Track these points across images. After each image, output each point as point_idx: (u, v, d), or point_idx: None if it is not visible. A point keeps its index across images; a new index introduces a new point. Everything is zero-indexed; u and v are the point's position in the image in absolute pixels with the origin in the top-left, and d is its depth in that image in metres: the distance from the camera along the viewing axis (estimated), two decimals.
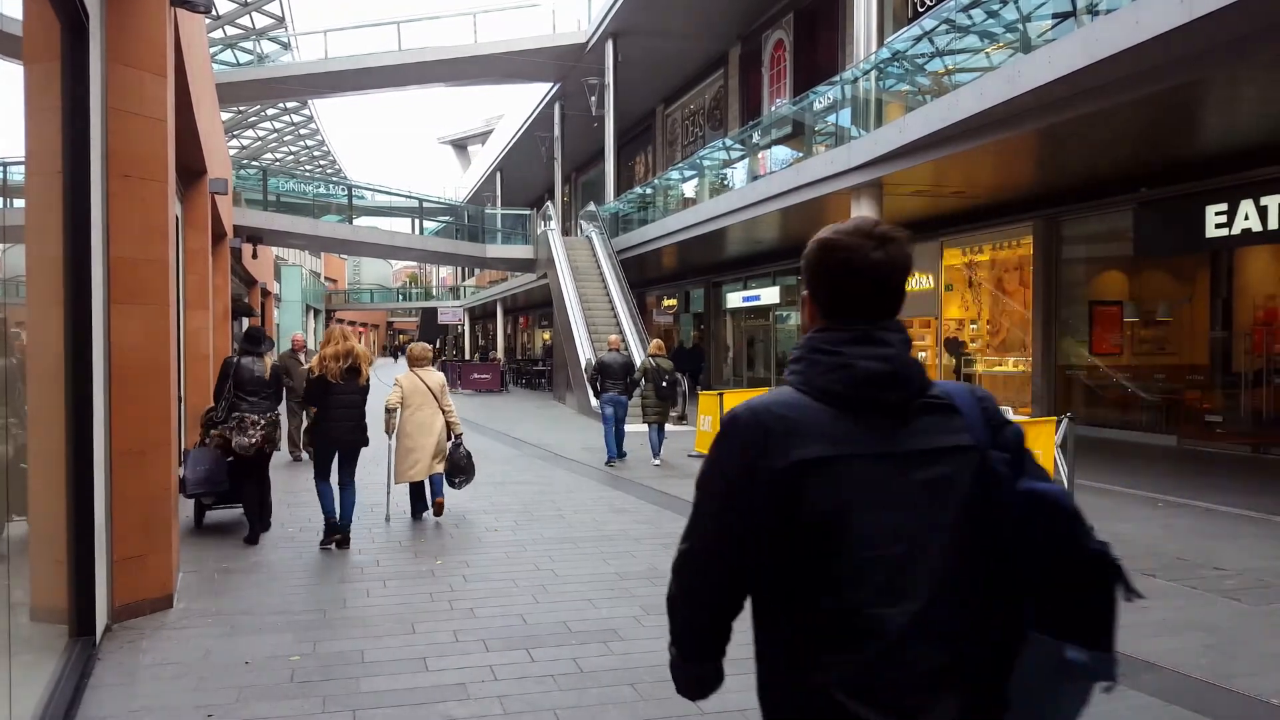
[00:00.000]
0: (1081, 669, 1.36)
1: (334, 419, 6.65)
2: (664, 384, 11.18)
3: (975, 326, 16.75)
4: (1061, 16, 9.79)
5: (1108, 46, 7.62)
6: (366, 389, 6.85)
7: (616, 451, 11.30)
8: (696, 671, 1.63)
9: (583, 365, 17.85)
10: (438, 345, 60.48)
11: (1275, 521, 7.42)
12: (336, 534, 6.62)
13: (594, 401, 13.30)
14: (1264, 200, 10.26)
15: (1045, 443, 7.20)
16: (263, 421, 6.84)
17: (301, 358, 11.28)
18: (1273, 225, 10.16)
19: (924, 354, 17.87)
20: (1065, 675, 1.36)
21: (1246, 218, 10.47)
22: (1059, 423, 7.65)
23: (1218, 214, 10.80)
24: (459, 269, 59.13)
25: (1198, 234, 11.07)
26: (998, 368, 15.93)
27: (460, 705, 3.77)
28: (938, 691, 1.33)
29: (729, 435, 1.43)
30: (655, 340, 12.80)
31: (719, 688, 1.69)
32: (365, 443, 6.81)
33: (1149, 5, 7.16)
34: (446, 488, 7.86)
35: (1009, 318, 15.74)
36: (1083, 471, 8.93)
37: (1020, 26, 10.48)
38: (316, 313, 57.27)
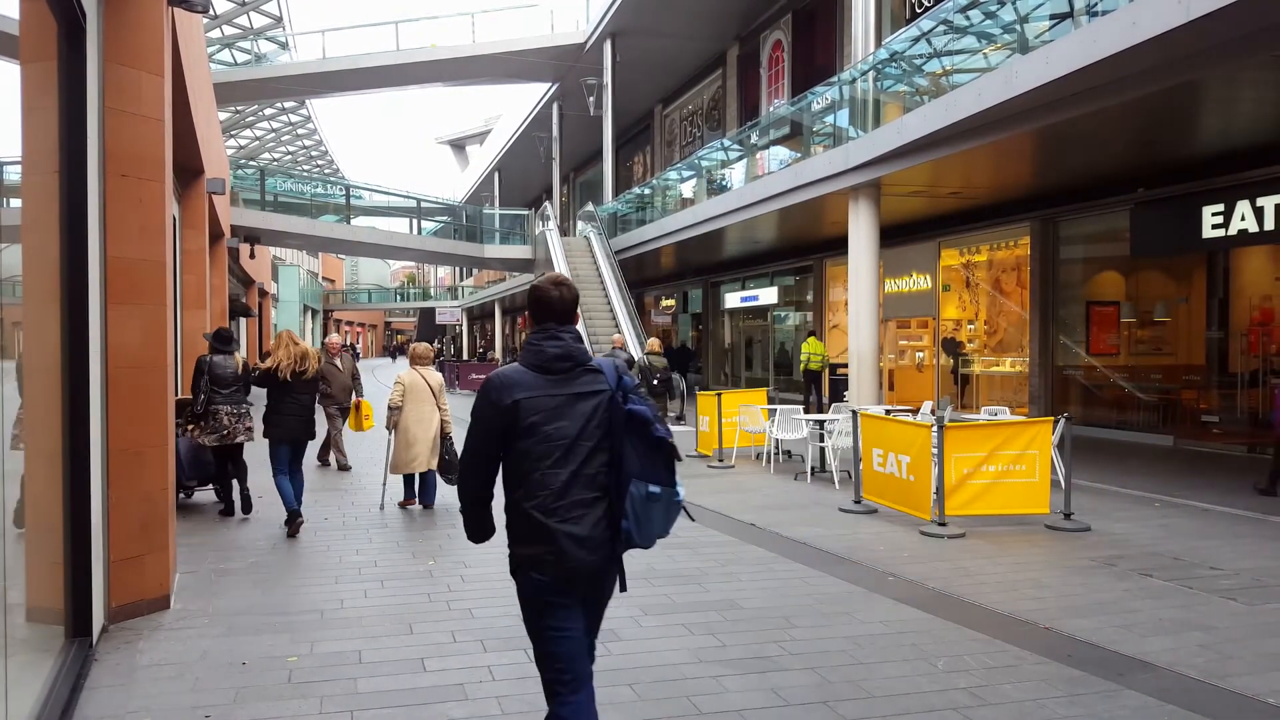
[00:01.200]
0: (658, 497, 2.65)
1: (287, 413, 7.29)
2: (655, 381, 11.67)
3: (972, 327, 16.76)
4: (1059, 17, 9.80)
5: (1105, 47, 7.63)
6: (316, 386, 7.66)
7: None
8: (478, 513, 2.84)
9: None
10: (436, 345, 60.48)
11: (1271, 521, 7.43)
12: (299, 519, 7.19)
13: None
14: (1260, 201, 10.28)
15: (1042, 443, 7.19)
16: (237, 413, 7.61)
17: (338, 362, 10.33)
18: (1269, 225, 10.18)
19: (921, 354, 17.90)
20: (651, 500, 2.64)
21: (1243, 218, 10.48)
22: (1056, 423, 7.65)
23: (1214, 214, 10.81)
24: (457, 269, 59.11)
25: (1194, 234, 11.08)
26: (995, 368, 15.94)
27: (459, 706, 3.76)
28: (588, 509, 2.65)
29: (487, 386, 2.71)
30: (651, 339, 12.97)
31: (492, 535, 2.89)
32: (313, 436, 7.51)
33: (1147, 6, 7.17)
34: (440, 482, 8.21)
35: (1006, 318, 15.75)
36: (1080, 471, 8.94)
37: (1018, 27, 10.50)
38: (314, 313, 57.22)
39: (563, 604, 2.68)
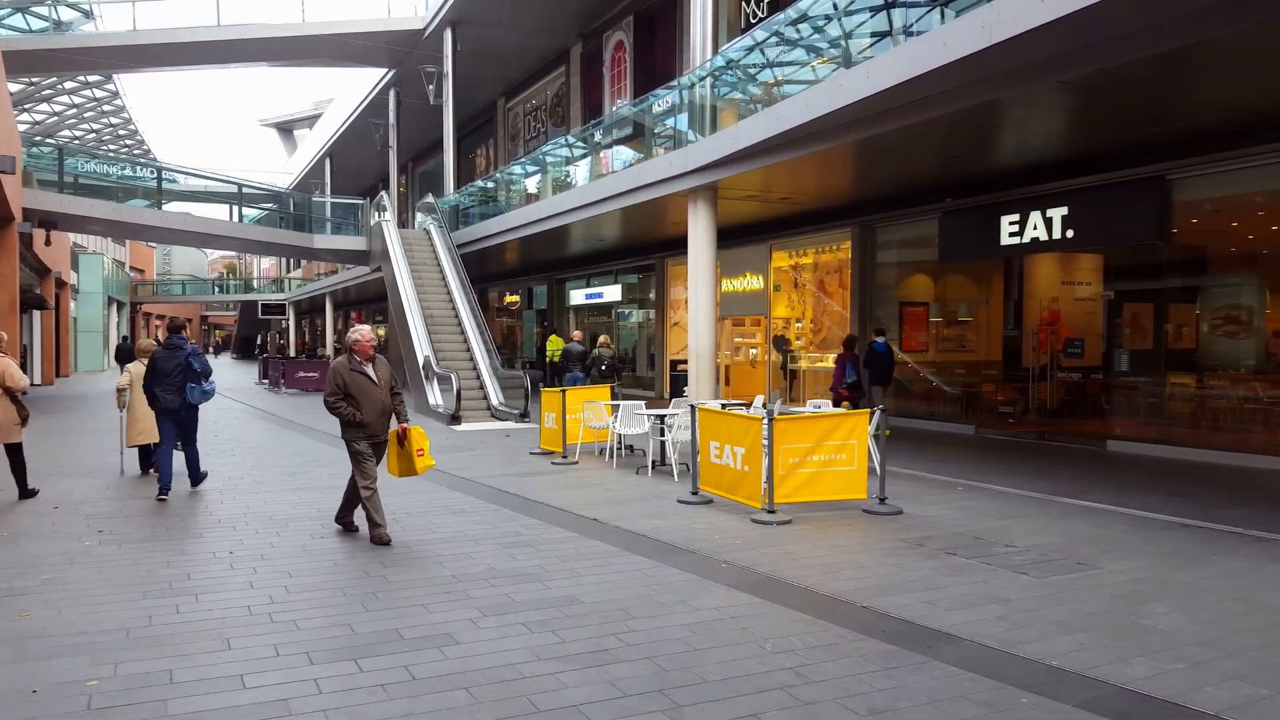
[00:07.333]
0: (195, 388, 8.50)
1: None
2: (604, 367, 14.45)
3: (800, 325, 17.64)
4: (880, 35, 10.44)
5: (919, 65, 8.22)
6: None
7: None
8: (151, 395, 8.58)
9: (420, 362, 17.35)
10: (259, 341, 56.96)
11: (1057, 502, 8.27)
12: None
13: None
14: (1050, 212, 11.41)
15: (861, 433, 7.66)
16: None
17: (371, 371, 6.95)
18: (1056, 235, 11.32)
19: (754, 351, 18.66)
20: (192, 389, 8.49)
21: (1035, 227, 11.60)
22: (872, 414, 8.17)
23: (1011, 224, 11.91)
24: (284, 260, 55.90)
25: (993, 241, 12.16)
26: (820, 363, 16.85)
27: None
28: (176, 392, 8.49)
29: (153, 357, 8.62)
30: (603, 336, 15.16)
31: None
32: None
33: (955, 28, 7.78)
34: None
35: (830, 317, 16.69)
36: (893, 459, 9.60)
37: (843, 43, 11.10)
38: (120, 305, 52.52)
39: (164, 418, 8.49)
